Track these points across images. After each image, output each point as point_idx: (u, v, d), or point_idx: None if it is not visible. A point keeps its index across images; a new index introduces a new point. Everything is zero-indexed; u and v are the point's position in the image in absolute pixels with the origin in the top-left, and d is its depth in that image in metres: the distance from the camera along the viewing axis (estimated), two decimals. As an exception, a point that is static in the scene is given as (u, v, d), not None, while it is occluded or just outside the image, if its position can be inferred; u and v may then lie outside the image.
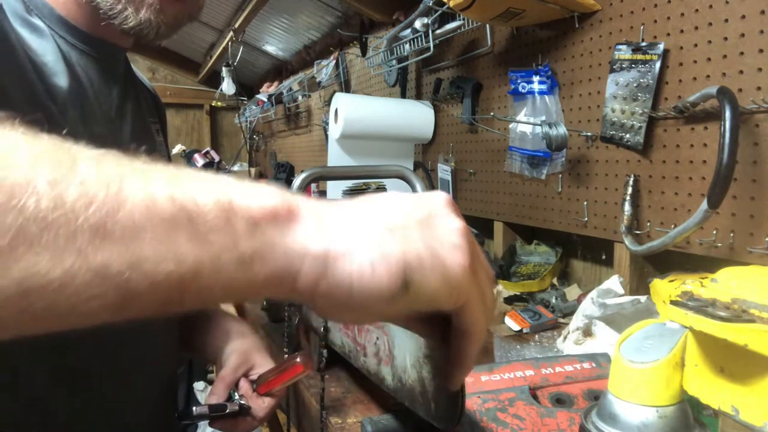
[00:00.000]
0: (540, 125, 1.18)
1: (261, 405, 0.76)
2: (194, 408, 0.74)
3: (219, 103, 4.25)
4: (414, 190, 1.04)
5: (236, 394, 0.77)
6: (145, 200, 0.25)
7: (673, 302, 0.49)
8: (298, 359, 0.69)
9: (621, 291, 0.92)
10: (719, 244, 0.89)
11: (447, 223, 0.33)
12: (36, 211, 0.23)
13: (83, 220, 0.23)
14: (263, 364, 0.79)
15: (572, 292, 1.26)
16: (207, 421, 0.76)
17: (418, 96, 1.88)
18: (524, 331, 1.04)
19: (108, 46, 0.70)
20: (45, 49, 0.62)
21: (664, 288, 0.73)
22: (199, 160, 3.37)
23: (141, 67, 4.09)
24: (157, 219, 0.25)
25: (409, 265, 0.30)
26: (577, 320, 0.91)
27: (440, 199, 0.34)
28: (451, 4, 1.13)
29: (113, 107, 0.71)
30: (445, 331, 0.37)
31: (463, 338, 0.35)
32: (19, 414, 0.59)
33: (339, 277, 0.29)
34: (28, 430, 0.60)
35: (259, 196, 0.29)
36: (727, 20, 0.87)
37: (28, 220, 0.22)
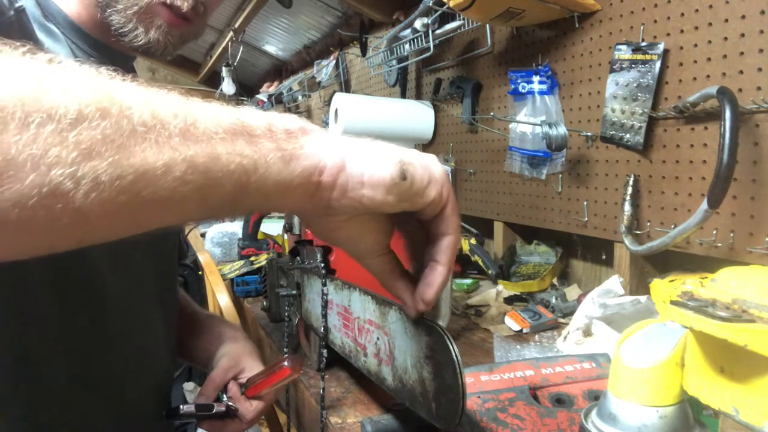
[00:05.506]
0: (540, 125, 1.18)
1: (248, 408, 0.76)
2: (182, 407, 0.74)
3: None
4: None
5: (224, 396, 0.78)
6: (212, 116, 0.35)
7: (673, 302, 0.49)
8: (286, 363, 0.69)
9: (621, 291, 0.92)
10: (719, 244, 0.89)
11: (431, 161, 0.44)
12: (140, 119, 0.31)
13: (173, 126, 0.32)
14: (253, 368, 0.80)
15: (572, 292, 1.26)
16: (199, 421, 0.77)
17: (418, 96, 1.88)
18: (524, 331, 1.04)
19: (117, 54, 0.72)
20: (60, 54, 0.63)
21: (664, 288, 0.73)
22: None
23: (141, 67, 4.08)
24: (223, 127, 0.35)
25: (404, 162, 0.41)
26: (577, 320, 0.91)
27: (429, 155, 0.45)
28: (451, 4, 1.13)
29: None
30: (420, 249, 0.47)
31: (439, 240, 0.45)
32: (32, 409, 0.61)
33: (355, 168, 0.40)
34: (42, 425, 0.62)
35: (290, 119, 0.40)
36: (727, 20, 0.87)
37: (136, 125, 0.31)
